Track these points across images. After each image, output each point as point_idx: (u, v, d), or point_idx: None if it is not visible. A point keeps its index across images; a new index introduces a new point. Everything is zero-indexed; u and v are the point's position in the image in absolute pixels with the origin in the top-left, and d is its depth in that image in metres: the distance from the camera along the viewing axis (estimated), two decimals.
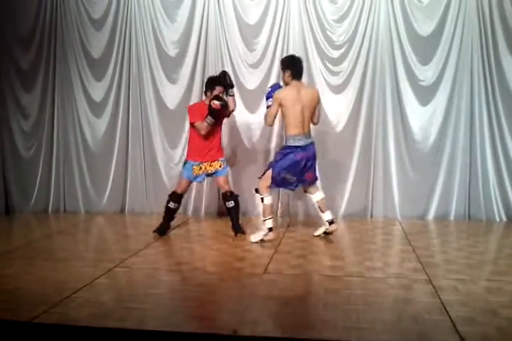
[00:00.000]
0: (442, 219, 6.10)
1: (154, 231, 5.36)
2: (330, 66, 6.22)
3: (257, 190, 5.08)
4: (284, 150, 4.97)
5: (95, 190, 6.73)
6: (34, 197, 6.80)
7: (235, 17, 6.31)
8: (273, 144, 6.34)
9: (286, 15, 6.22)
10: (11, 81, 6.69)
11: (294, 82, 4.90)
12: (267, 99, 4.97)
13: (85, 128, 6.70)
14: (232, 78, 5.79)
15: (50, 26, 6.61)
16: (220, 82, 5.26)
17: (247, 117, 6.36)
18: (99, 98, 6.63)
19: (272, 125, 5.16)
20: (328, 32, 6.19)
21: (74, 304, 3.54)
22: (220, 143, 5.47)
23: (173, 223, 5.58)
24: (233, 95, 5.39)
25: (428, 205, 6.17)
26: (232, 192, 5.41)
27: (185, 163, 5.40)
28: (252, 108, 6.31)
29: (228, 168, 5.60)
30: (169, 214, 5.42)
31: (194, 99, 6.34)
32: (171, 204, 5.37)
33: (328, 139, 6.24)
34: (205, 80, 5.48)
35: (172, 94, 6.47)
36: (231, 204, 5.35)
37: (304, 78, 6.16)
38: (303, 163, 4.92)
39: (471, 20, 5.93)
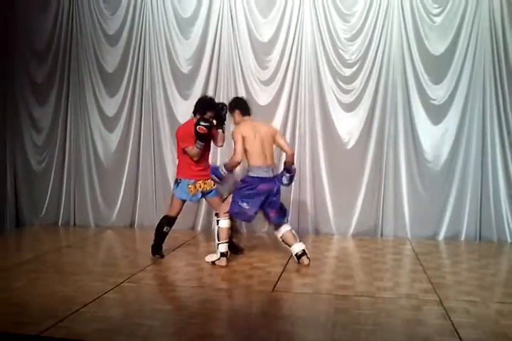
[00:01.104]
0: (453, 240, 6.04)
1: (154, 254, 5.15)
2: (342, 84, 6.24)
3: (217, 214, 4.93)
4: (245, 180, 4.80)
5: (105, 204, 6.75)
6: (44, 210, 6.84)
7: (247, 34, 6.37)
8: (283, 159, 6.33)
9: (298, 33, 6.27)
10: (25, 95, 6.78)
11: (246, 118, 4.90)
12: (217, 175, 4.85)
13: (97, 143, 6.75)
14: (244, 95, 5.84)
15: (66, 41, 6.71)
16: (213, 108, 5.02)
17: None
18: (112, 113, 6.70)
19: (239, 161, 4.76)
20: (340, 50, 6.22)
21: (82, 318, 3.54)
22: (209, 162, 5.29)
23: (182, 239, 5.54)
24: (223, 130, 5.14)
25: (439, 225, 6.12)
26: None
27: (177, 183, 5.08)
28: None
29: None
30: (163, 237, 5.20)
31: None
32: (166, 229, 5.14)
33: (339, 157, 6.23)
34: (196, 101, 5.14)
35: (184, 110, 6.50)
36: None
37: (316, 96, 6.24)
38: (263, 197, 4.73)
39: (483, 40, 5.94)
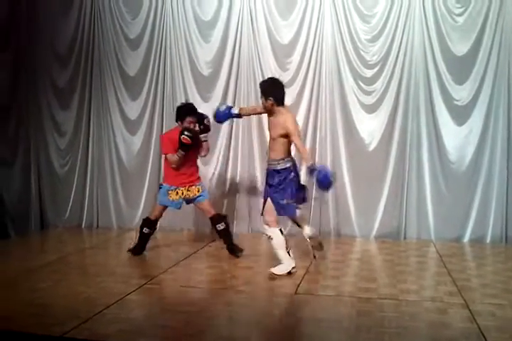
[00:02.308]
0: (478, 242, 5.94)
1: (129, 250, 5.31)
2: (363, 85, 6.19)
3: (267, 225, 4.62)
4: (282, 173, 4.55)
5: (128, 207, 6.80)
6: (68, 212, 6.92)
7: (267, 37, 6.37)
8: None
9: (319, 35, 6.24)
10: (48, 98, 6.87)
11: (278, 110, 4.54)
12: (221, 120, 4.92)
13: (120, 146, 6.81)
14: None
15: (88, 45, 6.78)
16: (193, 113, 5.07)
17: None
18: (134, 116, 6.75)
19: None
20: (361, 51, 6.18)
21: (105, 320, 3.56)
22: (197, 169, 5.31)
23: (204, 241, 5.53)
24: (206, 140, 5.20)
25: (464, 227, 6.02)
26: (219, 214, 5.30)
27: (160, 188, 5.28)
28: None
29: (207, 191, 5.40)
30: (144, 238, 5.32)
31: None
32: (145, 230, 5.27)
33: (361, 158, 6.18)
34: (175, 109, 5.23)
35: (205, 113, 6.52)
36: (222, 226, 5.19)
37: (337, 98, 6.21)
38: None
39: (507, 39, 5.84)
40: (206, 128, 5.18)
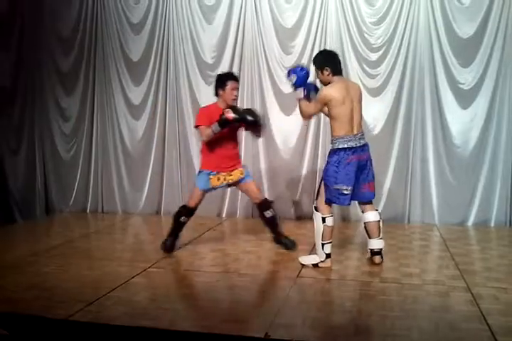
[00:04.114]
0: (482, 226, 5.93)
1: (164, 248, 4.85)
2: (367, 69, 6.14)
3: (316, 208, 4.38)
4: (332, 156, 4.25)
5: (132, 191, 6.83)
6: (73, 197, 6.97)
7: (271, 20, 6.31)
8: (309, 145, 6.32)
9: (323, 18, 6.17)
10: (53, 83, 6.87)
11: (336, 78, 4.26)
12: (297, 87, 4.33)
13: (124, 131, 6.81)
14: (268, 81, 5.82)
15: (91, 30, 6.75)
16: (235, 79, 4.65)
17: (282, 120, 6.34)
18: (137, 101, 6.74)
19: (306, 119, 4.62)
20: (365, 34, 6.11)
21: (109, 303, 3.60)
22: (238, 152, 4.96)
23: (208, 225, 5.55)
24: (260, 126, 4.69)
25: (468, 211, 6.01)
26: (267, 200, 4.90)
27: (199, 173, 4.80)
28: (287, 111, 6.28)
29: (251, 174, 5.02)
30: (178, 228, 4.88)
31: None
32: (182, 219, 4.81)
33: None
34: (215, 80, 4.78)
35: (208, 97, 6.47)
36: (270, 213, 4.80)
37: None
38: (357, 169, 4.22)
39: None
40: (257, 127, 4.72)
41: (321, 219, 4.29)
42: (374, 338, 3.05)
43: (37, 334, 3.23)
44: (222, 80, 4.63)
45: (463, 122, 5.99)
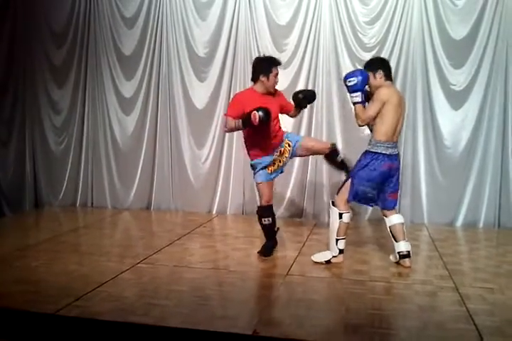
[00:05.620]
0: (471, 226, 5.97)
1: (264, 255, 4.64)
2: (360, 68, 6.14)
3: (333, 203, 4.39)
4: (367, 157, 4.26)
5: (122, 186, 6.80)
6: (63, 191, 6.92)
7: (265, 17, 6.29)
8: None
9: (317, 17, 6.17)
10: (44, 77, 6.81)
11: (388, 84, 4.25)
12: (353, 91, 4.17)
13: (115, 125, 6.78)
14: None
15: (84, 24, 6.70)
16: (278, 63, 4.40)
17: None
18: (129, 95, 6.70)
19: (362, 124, 4.28)
20: (359, 34, 6.12)
21: (97, 298, 3.59)
22: (279, 125, 4.62)
23: (198, 222, 5.53)
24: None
25: (457, 212, 6.05)
26: (334, 145, 4.71)
27: (254, 168, 4.53)
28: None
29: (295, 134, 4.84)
30: (270, 230, 4.62)
31: (222, 98, 6.38)
32: (266, 221, 4.55)
33: (356, 142, 6.12)
34: (254, 62, 4.51)
35: (201, 93, 6.49)
36: (341, 156, 4.69)
37: (334, 80, 6.16)
38: (386, 176, 4.26)
39: (507, 23, 5.77)
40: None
41: (337, 214, 4.31)
42: (362, 337, 3.06)
43: (24, 329, 3.21)
44: (267, 66, 4.36)
45: (454, 123, 6.02)
